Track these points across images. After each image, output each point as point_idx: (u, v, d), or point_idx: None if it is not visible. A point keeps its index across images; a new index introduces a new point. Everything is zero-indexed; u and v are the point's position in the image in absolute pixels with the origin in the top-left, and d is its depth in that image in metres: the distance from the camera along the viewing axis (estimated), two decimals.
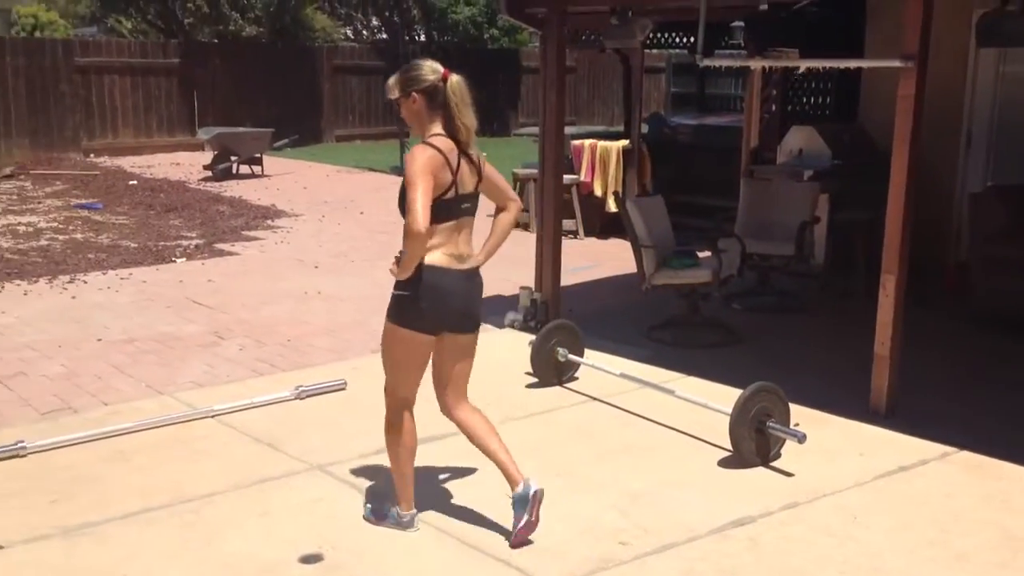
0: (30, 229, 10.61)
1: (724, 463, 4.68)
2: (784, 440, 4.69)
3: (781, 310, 7.61)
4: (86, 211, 11.86)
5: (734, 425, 4.60)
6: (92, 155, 16.92)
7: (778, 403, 4.72)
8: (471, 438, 3.96)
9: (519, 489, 3.84)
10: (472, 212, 3.87)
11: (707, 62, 6.36)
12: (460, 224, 3.81)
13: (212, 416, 5.20)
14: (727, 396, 4.94)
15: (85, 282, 8.29)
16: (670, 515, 4.14)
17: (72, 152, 16.73)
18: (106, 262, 9.04)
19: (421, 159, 3.65)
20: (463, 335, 3.91)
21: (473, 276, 3.89)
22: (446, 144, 3.74)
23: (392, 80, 3.85)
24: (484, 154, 3.96)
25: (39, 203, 12.50)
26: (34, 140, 16.39)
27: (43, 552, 3.81)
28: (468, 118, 3.77)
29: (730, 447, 4.67)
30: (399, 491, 3.99)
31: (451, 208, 3.75)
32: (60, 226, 10.84)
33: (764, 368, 5.76)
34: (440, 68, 3.78)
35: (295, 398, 5.47)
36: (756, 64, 7.47)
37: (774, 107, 9.51)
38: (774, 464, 4.65)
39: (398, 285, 3.78)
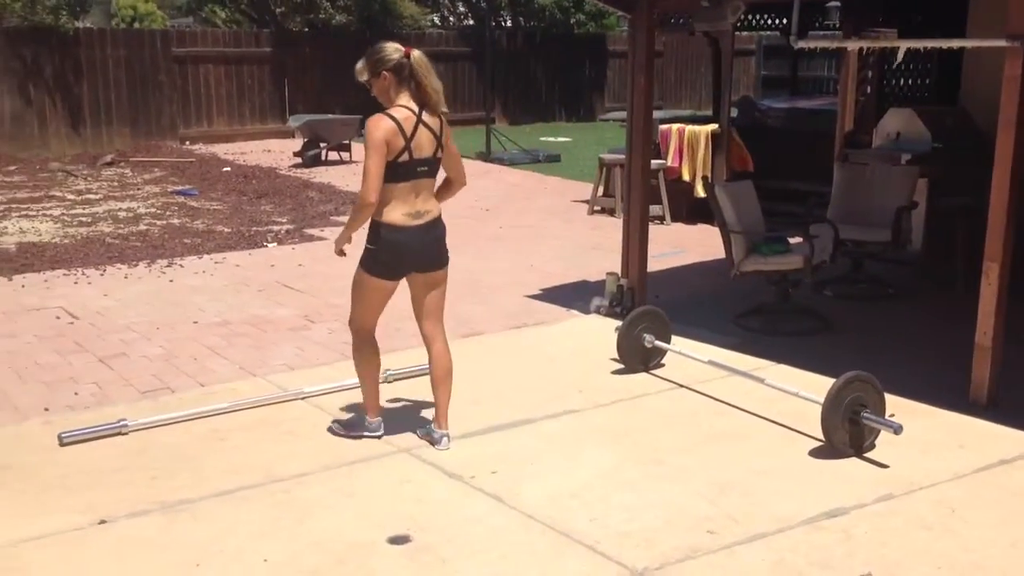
0: (130, 215, 10.97)
1: (816, 453, 4.58)
2: (879, 431, 4.56)
3: (875, 298, 7.42)
4: (182, 197, 12.21)
5: (826, 415, 4.50)
6: (188, 143, 17.38)
7: (873, 393, 4.60)
8: (432, 370, 4.62)
9: (436, 431, 4.61)
10: (430, 175, 4.38)
11: (802, 44, 6.20)
12: (417, 186, 4.33)
13: (303, 398, 5.30)
14: (819, 385, 4.83)
15: (182, 266, 8.53)
16: (760, 505, 4.08)
17: (169, 140, 17.22)
18: (201, 247, 9.29)
19: (377, 133, 4.20)
20: (429, 273, 4.49)
21: (431, 228, 4.41)
22: (402, 114, 4.27)
23: (360, 64, 4.36)
24: (450, 130, 4.43)
25: (138, 189, 12.90)
26: (134, 128, 16.91)
27: (143, 527, 3.94)
28: (434, 83, 4.30)
29: (822, 437, 4.58)
30: (367, 401, 4.66)
31: (406, 171, 4.27)
32: (158, 212, 11.18)
33: (858, 357, 5.62)
34: (401, 47, 4.29)
35: (383, 381, 5.51)
36: (852, 45, 7.28)
37: (870, 89, 9.23)
38: (868, 455, 4.53)
39: (367, 239, 4.38)
